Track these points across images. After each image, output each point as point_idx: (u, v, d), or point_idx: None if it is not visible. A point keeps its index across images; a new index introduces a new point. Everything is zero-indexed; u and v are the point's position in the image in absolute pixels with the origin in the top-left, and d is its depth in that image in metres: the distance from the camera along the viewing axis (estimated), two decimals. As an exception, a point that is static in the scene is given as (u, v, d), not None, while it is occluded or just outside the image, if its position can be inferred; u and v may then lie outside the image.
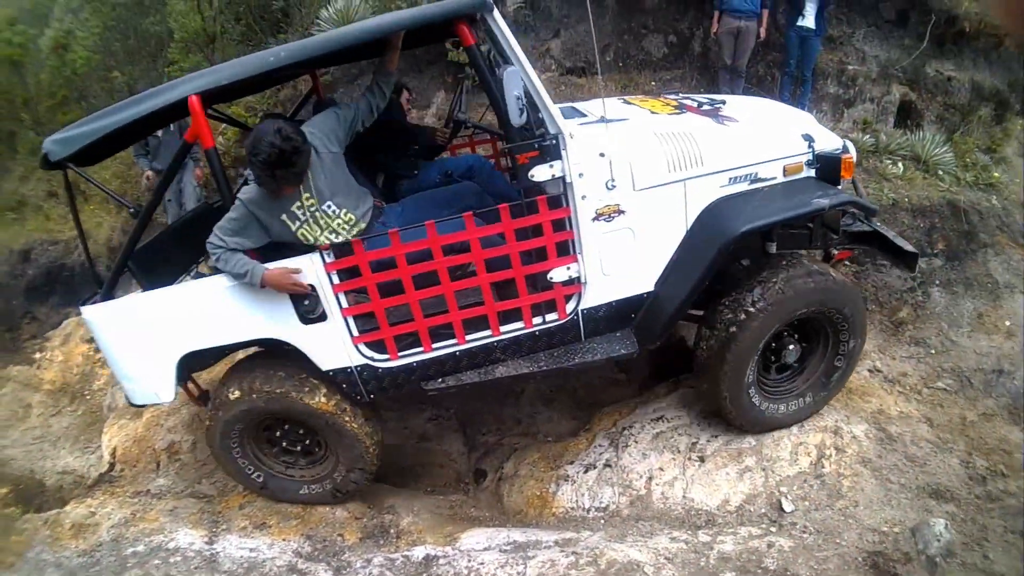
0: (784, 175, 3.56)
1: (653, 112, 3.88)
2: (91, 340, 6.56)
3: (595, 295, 3.52)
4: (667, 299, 3.51)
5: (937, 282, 5.87)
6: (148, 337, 3.50)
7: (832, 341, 3.85)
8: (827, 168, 3.62)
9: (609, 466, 4.13)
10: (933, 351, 5.45)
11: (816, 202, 3.33)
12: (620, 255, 3.45)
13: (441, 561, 3.58)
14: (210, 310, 3.42)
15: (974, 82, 8.55)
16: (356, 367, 3.52)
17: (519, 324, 3.53)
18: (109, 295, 3.55)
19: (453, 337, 3.48)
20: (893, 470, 4.04)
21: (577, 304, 3.52)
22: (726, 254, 3.34)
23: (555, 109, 3.20)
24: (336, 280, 3.31)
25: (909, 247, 3.75)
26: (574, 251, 3.40)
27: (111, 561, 3.68)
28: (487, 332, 3.51)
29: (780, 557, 3.50)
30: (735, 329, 3.49)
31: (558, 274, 3.39)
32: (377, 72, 3.53)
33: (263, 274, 3.18)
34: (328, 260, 3.26)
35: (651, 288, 3.58)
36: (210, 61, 8.44)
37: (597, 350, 3.62)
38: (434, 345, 3.50)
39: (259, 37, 8.11)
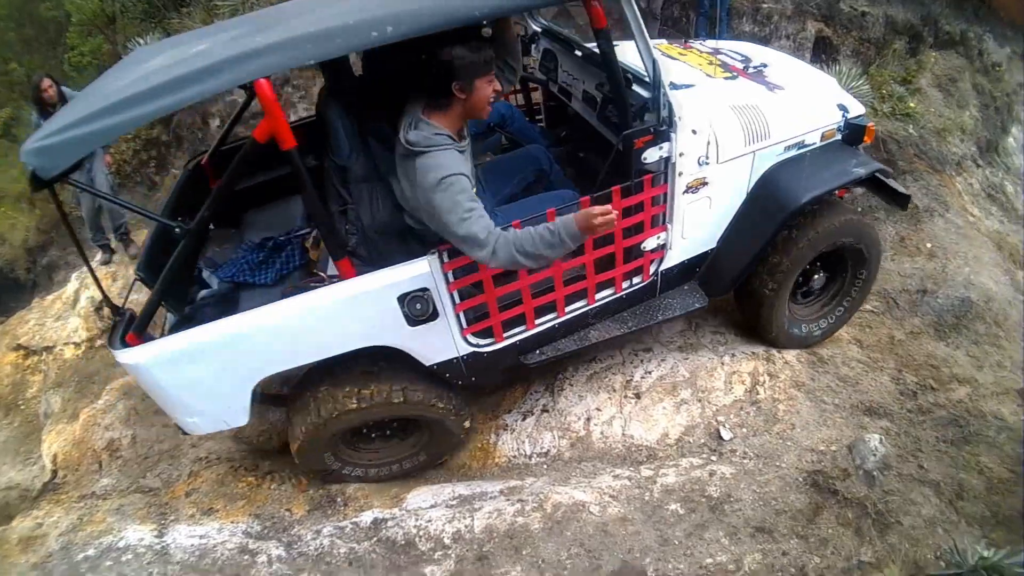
0: (821, 140, 3.81)
1: (708, 75, 3.92)
2: (19, 347, 6.34)
3: (673, 257, 3.73)
4: (733, 256, 3.81)
5: (859, 209, 5.96)
6: (222, 367, 3.14)
7: (851, 271, 4.18)
8: (854, 135, 3.86)
9: (547, 411, 4.14)
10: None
11: (856, 170, 3.69)
12: (698, 221, 3.67)
13: (389, 523, 3.55)
14: (303, 327, 3.11)
15: (888, 16, 8.68)
16: (463, 356, 3.46)
17: (610, 291, 3.66)
18: (143, 329, 3.06)
19: (553, 311, 3.53)
20: (826, 391, 4.13)
21: (658, 266, 3.72)
22: (790, 219, 3.63)
23: (672, 93, 3.21)
24: (452, 279, 3.13)
25: (902, 189, 3.98)
26: (664, 222, 3.56)
27: (63, 570, 3.54)
28: (583, 302, 3.60)
29: (722, 484, 3.56)
30: (785, 262, 3.80)
31: (649, 243, 3.55)
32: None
33: (576, 226, 2.63)
34: (445, 260, 3.04)
35: (714, 245, 3.84)
36: (111, 43, 8.09)
37: (674, 306, 3.85)
38: (536, 321, 3.52)
39: (161, 14, 7.79)
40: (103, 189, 6.16)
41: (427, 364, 3.41)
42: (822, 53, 8.21)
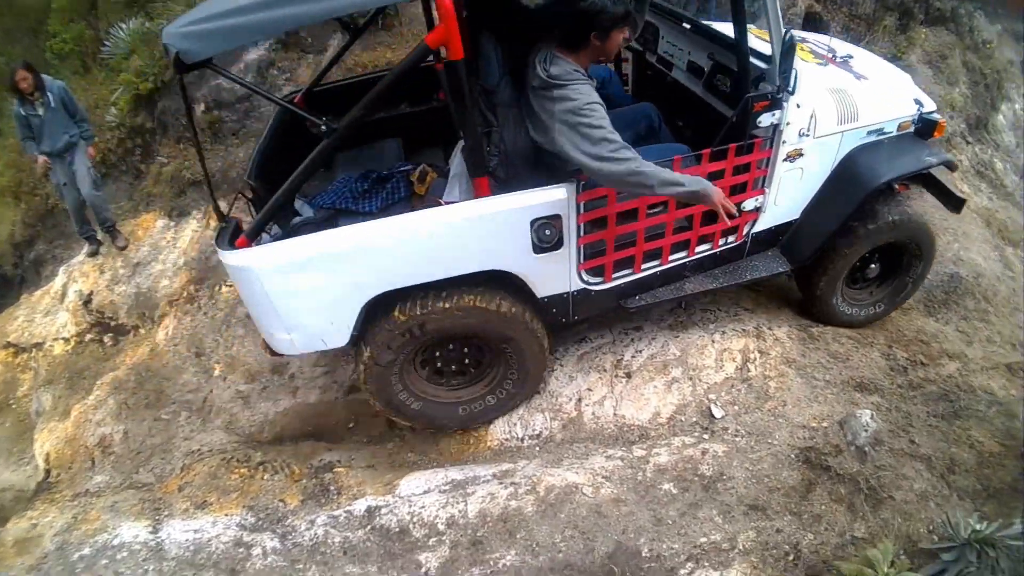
0: (897, 131, 4.07)
1: (802, 59, 4.03)
2: (8, 345, 6.27)
3: (764, 221, 3.99)
4: (815, 227, 4.06)
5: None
6: (340, 277, 3.15)
7: (906, 264, 4.41)
8: (927, 128, 4.13)
9: (538, 393, 4.12)
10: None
11: (927, 159, 3.99)
12: (790, 190, 3.92)
13: (383, 510, 3.55)
14: (432, 242, 3.15)
15: (879, -9, 8.69)
16: (574, 291, 3.63)
17: (708, 245, 3.89)
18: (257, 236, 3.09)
19: (658, 258, 3.73)
20: (817, 368, 4.13)
21: (751, 229, 3.98)
22: (870, 196, 3.88)
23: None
24: (583, 210, 3.28)
25: (958, 192, 4.37)
26: (763, 186, 3.80)
27: (59, 571, 3.53)
28: (684, 253, 3.82)
29: (715, 462, 3.56)
30: (846, 249, 4.08)
31: (748, 204, 3.78)
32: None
33: (708, 191, 3.03)
34: (582, 190, 3.20)
35: (797, 216, 4.10)
36: (93, 29, 7.99)
37: (760, 268, 4.11)
38: (643, 266, 3.71)
39: (143, -1, 7.66)
40: (85, 182, 6.13)
41: (539, 295, 3.56)
42: (813, 30, 8.19)
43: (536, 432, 3.96)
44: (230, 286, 5.36)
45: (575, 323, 3.91)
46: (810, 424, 3.79)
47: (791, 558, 3.19)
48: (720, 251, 3.96)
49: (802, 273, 4.33)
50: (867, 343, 4.49)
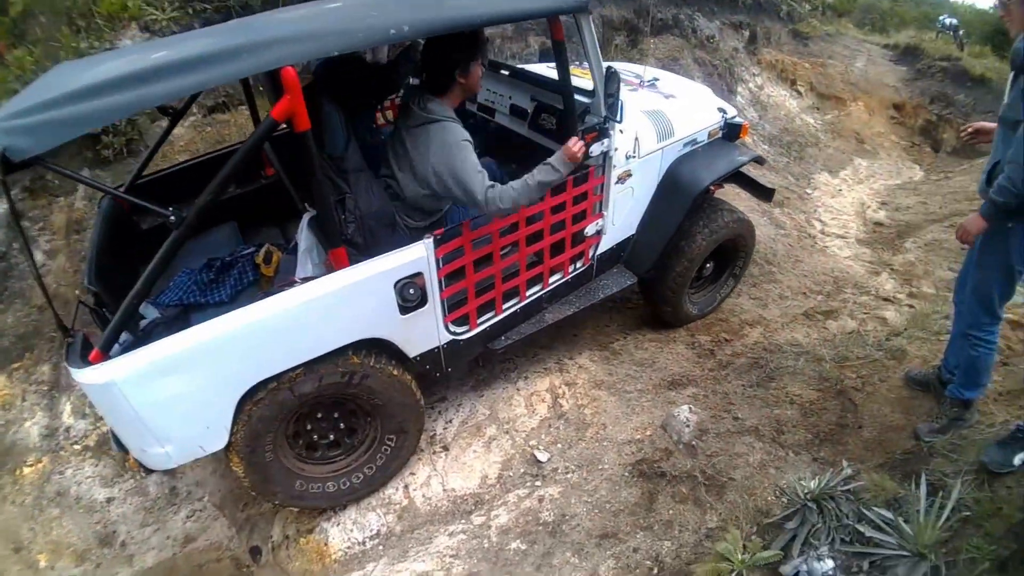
0: (708, 139, 4.49)
1: None
2: None
3: (606, 242, 4.19)
4: (651, 238, 4.34)
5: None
6: (208, 376, 2.88)
7: (733, 260, 4.86)
8: (732, 132, 4.64)
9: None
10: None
11: (739, 158, 4.41)
12: (624, 209, 4.18)
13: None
14: (301, 321, 2.97)
15: (604, 16, 9.17)
16: (443, 344, 3.60)
17: (559, 275, 4.04)
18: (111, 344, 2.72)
19: (516, 296, 3.82)
20: (627, 380, 4.16)
21: (595, 251, 4.16)
22: (696, 200, 4.22)
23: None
24: (442, 264, 3.28)
25: (767, 184, 4.95)
26: (600, 210, 3.99)
27: None
28: (539, 286, 3.94)
29: (554, 506, 3.46)
30: (688, 257, 4.37)
31: (590, 229, 3.97)
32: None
33: (564, 157, 3.19)
34: (439, 244, 3.21)
35: (634, 232, 4.38)
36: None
37: (610, 285, 4.29)
38: (504, 306, 3.78)
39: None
40: None
41: (411, 355, 3.49)
42: (545, 63, 8.52)
43: (374, 531, 3.69)
44: (31, 466, 4.87)
45: (448, 376, 3.85)
46: (634, 438, 3.76)
47: (655, 571, 3.10)
48: (571, 278, 4.11)
49: (651, 286, 4.58)
50: (669, 340, 4.59)
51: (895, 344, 4.47)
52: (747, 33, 10.54)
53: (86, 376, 2.64)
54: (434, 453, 3.87)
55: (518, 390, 4.08)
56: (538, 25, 8.10)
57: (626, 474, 3.55)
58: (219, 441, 3.08)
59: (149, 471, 3.13)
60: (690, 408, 3.79)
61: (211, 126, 5.97)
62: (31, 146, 2.15)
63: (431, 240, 3.17)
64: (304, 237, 3.38)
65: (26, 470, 4.76)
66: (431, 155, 3.15)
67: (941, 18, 16.42)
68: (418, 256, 3.16)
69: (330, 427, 3.53)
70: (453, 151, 3.11)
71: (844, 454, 3.54)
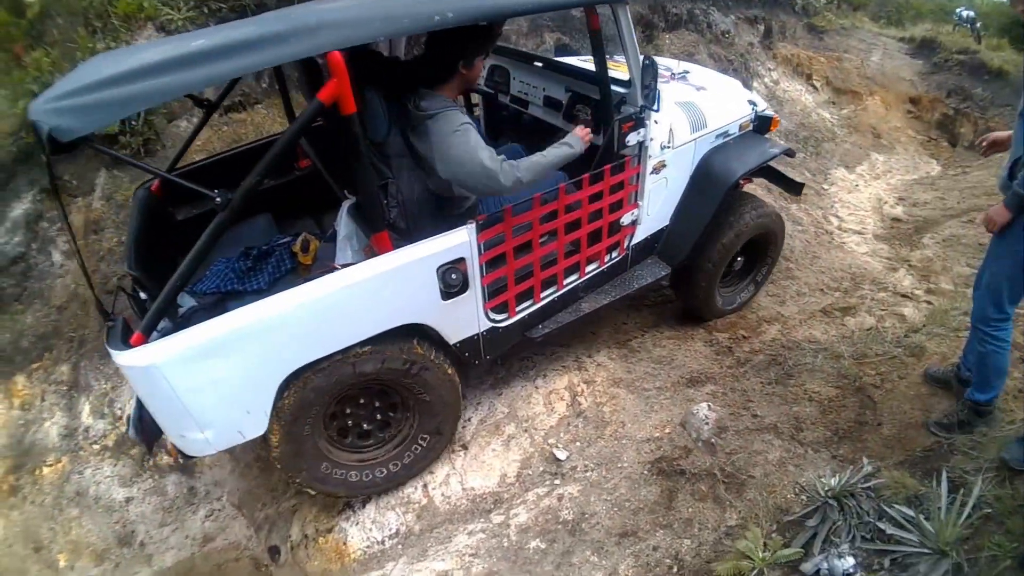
0: (739, 131, 4.52)
1: None
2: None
3: (640, 232, 4.23)
4: (685, 229, 4.35)
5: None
6: (251, 360, 2.89)
7: (763, 254, 4.89)
8: (763, 125, 4.66)
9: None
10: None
11: (771, 151, 4.46)
12: (658, 199, 4.22)
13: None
14: (343, 306, 3.01)
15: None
16: (483, 332, 3.62)
17: (596, 264, 4.06)
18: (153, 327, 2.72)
19: (553, 285, 3.85)
20: (646, 378, 4.14)
21: (630, 241, 4.20)
22: (729, 192, 4.26)
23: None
24: (483, 249, 3.31)
25: (797, 179, 4.99)
26: (636, 200, 4.03)
27: None
28: (576, 275, 3.97)
29: (573, 504, 3.45)
30: (720, 250, 4.43)
31: (626, 219, 4.01)
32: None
33: (580, 135, 3.37)
34: (481, 229, 3.24)
35: (667, 223, 4.40)
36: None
37: (645, 275, 4.32)
38: (542, 295, 3.80)
39: None
40: None
41: (452, 342, 3.51)
42: (564, 56, 8.52)
43: (394, 530, 3.71)
44: (50, 466, 4.90)
45: (487, 363, 3.89)
46: (653, 436, 3.75)
47: (675, 570, 3.09)
48: (607, 267, 4.14)
49: (682, 278, 4.63)
50: (687, 338, 4.57)
51: (914, 341, 4.43)
52: (762, 27, 10.47)
53: (128, 358, 2.65)
54: (453, 452, 3.87)
55: (537, 388, 4.07)
56: (552, 21, 8.09)
57: (645, 472, 3.54)
58: (258, 427, 3.08)
59: (188, 458, 3.12)
60: (709, 406, 3.77)
61: (228, 125, 6.00)
62: (79, 126, 2.16)
63: (474, 225, 3.20)
64: (344, 224, 3.39)
65: (45, 470, 4.81)
66: (437, 148, 3.15)
67: (958, 10, 16.27)
68: (461, 241, 3.18)
69: (368, 416, 3.55)
70: (457, 139, 3.08)
71: (864, 451, 3.52)
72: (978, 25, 15.71)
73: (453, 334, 3.49)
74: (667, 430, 3.75)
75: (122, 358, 2.65)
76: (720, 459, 3.54)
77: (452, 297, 3.30)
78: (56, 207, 5.09)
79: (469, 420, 4.01)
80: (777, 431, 3.72)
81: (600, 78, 3.52)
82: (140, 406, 3.15)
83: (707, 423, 3.68)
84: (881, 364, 4.20)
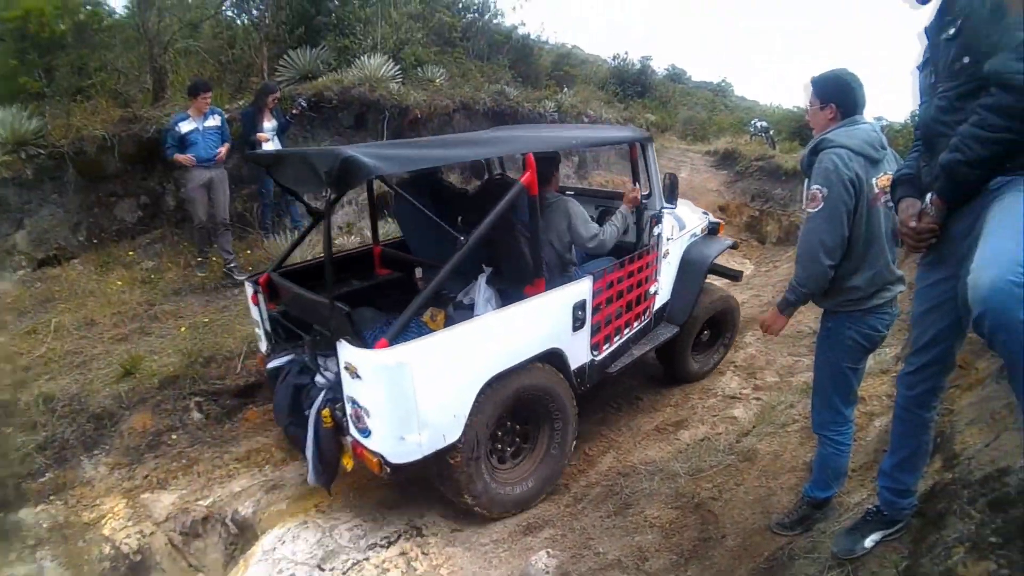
0: (700, 233, 6.06)
1: None
2: None
3: (658, 301, 5.48)
4: (681, 300, 5.65)
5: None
6: (464, 366, 3.64)
7: (725, 325, 6.17)
8: (713, 229, 6.27)
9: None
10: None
11: (725, 243, 6.14)
12: (665, 278, 5.54)
13: None
14: (521, 330, 3.93)
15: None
16: (588, 362, 4.56)
17: (638, 323, 5.22)
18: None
19: (618, 335, 4.92)
20: (481, 532, 3.96)
21: (652, 307, 5.42)
22: (707, 271, 5.76)
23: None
24: (594, 296, 4.40)
25: (735, 268, 6.68)
26: (656, 277, 5.32)
27: None
28: (628, 329, 5.07)
29: None
30: (690, 323, 5.68)
31: (652, 288, 5.27)
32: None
33: (627, 208, 4.72)
34: (597, 279, 4.40)
35: (668, 297, 5.68)
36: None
37: (663, 333, 5.50)
38: (615, 339, 4.86)
39: None
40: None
41: (573, 367, 4.39)
42: (384, 210, 8.68)
43: None
44: None
45: (586, 390, 4.63)
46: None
47: None
48: (643, 326, 5.29)
49: (664, 351, 5.68)
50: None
51: (745, 445, 4.52)
52: (576, 159, 11.04)
53: (381, 357, 3.27)
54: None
55: (367, 559, 3.76)
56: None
57: (491, 636, 3.32)
58: (456, 432, 3.63)
59: (394, 469, 3.44)
60: (548, 552, 3.61)
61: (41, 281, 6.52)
62: (386, 168, 3.21)
63: (590, 277, 4.35)
64: (483, 290, 4.31)
65: None
66: (560, 223, 4.45)
67: (753, 121, 17.99)
68: (585, 288, 4.31)
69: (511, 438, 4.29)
70: (572, 216, 4.43)
71: (712, 569, 3.44)
72: (771, 132, 17.38)
73: (573, 361, 4.37)
74: (510, 586, 3.56)
75: (375, 356, 3.27)
76: (567, 607, 3.38)
77: (576, 331, 4.31)
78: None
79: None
80: (622, 566, 3.58)
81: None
82: (317, 449, 3.80)
83: (547, 571, 3.52)
84: (716, 475, 4.21)
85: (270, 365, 4.40)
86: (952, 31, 2.24)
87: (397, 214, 5.66)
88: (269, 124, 7.36)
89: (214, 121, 6.84)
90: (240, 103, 7.93)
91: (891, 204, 2.75)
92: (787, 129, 20.03)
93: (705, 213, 6.38)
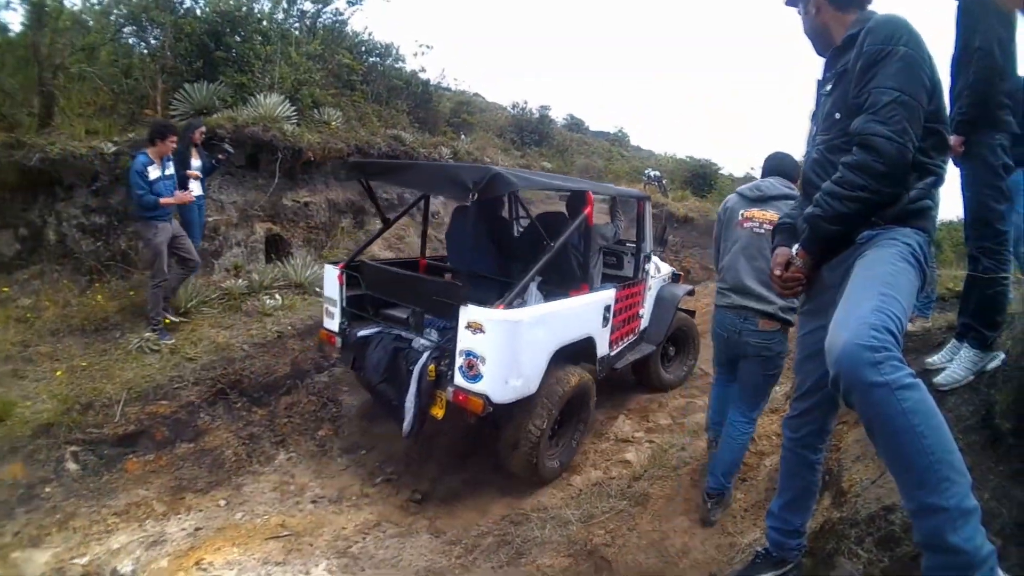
0: (669, 279, 7.33)
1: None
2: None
3: (642, 325, 6.67)
4: (656, 327, 6.76)
5: (345, 389, 6.22)
6: (549, 334, 4.60)
7: (686, 341, 7.40)
8: (676, 278, 7.64)
9: None
10: (363, 451, 5.52)
11: (687, 287, 7.57)
12: (647, 307, 6.72)
13: None
14: (578, 314, 5.05)
15: (329, 200, 9.31)
16: (606, 354, 5.61)
17: (631, 336, 6.36)
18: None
19: (620, 341, 6.03)
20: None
21: (640, 327, 6.63)
22: (678, 306, 7.00)
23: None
24: (615, 303, 5.55)
25: (690, 310, 7.86)
26: (643, 303, 6.56)
27: None
28: (625, 340, 6.19)
29: None
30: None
31: (640, 312, 6.50)
32: None
33: None
34: (618, 291, 5.63)
35: (647, 324, 6.79)
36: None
37: (644, 349, 6.53)
38: (620, 342, 6.04)
39: None
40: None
41: (599, 355, 5.42)
42: (276, 251, 8.40)
43: None
44: None
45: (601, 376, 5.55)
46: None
47: None
48: (633, 340, 6.40)
49: (638, 366, 6.63)
50: (411, 532, 4.25)
51: (637, 489, 4.47)
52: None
53: (504, 314, 4.20)
54: None
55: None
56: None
57: None
58: (534, 386, 4.49)
59: (492, 406, 4.17)
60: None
61: None
62: (517, 185, 4.38)
63: (615, 287, 5.56)
64: (535, 296, 4.98)
65: None
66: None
67: (647, 171, 18.58)
68: (611, 295, 5.47)
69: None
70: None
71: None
72: (664, 181, 17.93)
73: (599, 350, 5.41)
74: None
75: (500, 314, 4.18)
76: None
77: (604, 327, 5.42)
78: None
79: None
80: (516, 620, 3.47)
81: (638, 246, 6.30)
82: (417, 399, 4.40)
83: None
84: (609, 521, 4.14)
85: (360, 333, 4.96)
86: (829, 87, 2.37)
87: (449, 232, 6.36)
88: (196, 163, 6.96)
89: (170, 168, 6.35)
90: (131, 135, 7.46)
91: (758, 232, 3.88)
92: (679, 178, 20.77)
93: (669, 264, 8.10)
